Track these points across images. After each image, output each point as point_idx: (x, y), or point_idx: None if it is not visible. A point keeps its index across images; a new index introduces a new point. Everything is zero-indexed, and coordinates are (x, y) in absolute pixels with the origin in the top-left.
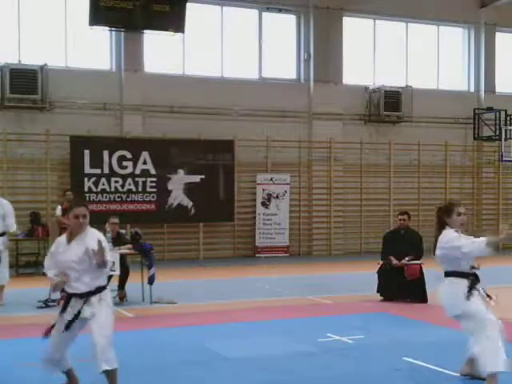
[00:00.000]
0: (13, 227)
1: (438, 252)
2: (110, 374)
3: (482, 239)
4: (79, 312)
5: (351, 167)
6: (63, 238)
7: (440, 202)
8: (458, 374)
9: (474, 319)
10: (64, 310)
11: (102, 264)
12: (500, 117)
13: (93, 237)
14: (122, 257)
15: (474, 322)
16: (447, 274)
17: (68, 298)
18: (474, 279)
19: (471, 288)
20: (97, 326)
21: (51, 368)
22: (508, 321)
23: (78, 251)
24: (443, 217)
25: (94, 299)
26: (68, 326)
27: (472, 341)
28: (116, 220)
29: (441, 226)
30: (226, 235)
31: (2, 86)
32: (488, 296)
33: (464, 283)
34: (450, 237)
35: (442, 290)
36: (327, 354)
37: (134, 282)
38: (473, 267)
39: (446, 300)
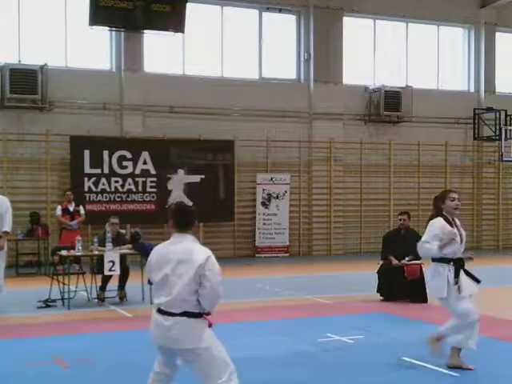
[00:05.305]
0: (5, 226)
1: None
2: None
3: (437, 245)
4: None
5: (351, 167)
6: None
7: None
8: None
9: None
10: None
11: None
12: (500, 117)
13: None
14: (122, 257)
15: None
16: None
17: None
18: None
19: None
20: None
21: None
22: (508, 320)
23: None
24: (439, 203)
25: None
26: None
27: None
28: (116, 220)
29: (438, 211)
30: (226, 235)
31: (2, 86)
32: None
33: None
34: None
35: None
36: (327, 354)
37: (134, 282)
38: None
39: (431, 282)
